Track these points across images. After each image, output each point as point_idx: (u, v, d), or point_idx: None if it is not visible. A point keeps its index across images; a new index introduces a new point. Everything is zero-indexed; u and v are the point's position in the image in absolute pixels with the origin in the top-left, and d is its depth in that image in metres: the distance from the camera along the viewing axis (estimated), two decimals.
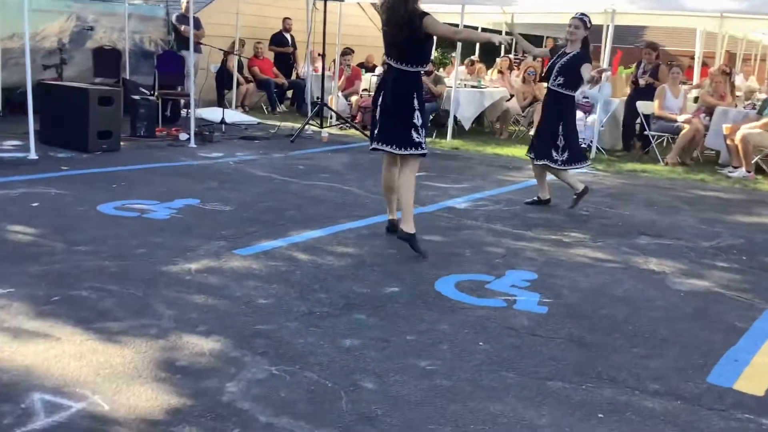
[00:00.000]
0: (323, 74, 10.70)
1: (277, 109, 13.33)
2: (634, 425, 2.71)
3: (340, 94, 11.96)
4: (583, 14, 6.35)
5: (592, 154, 9.52)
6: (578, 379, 3.05)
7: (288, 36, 14.23)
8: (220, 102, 12.25)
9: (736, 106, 10.11)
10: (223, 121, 10.01)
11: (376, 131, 4.89)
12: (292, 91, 14.00)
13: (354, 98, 11.87)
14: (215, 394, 2.76)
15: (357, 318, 3.60)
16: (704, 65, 14.27)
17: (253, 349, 3.17)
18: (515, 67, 13.29)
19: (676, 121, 9.37)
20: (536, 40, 19.88)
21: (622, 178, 8.27)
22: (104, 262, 4.19)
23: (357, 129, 10.55)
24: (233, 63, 12.38)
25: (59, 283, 3.80)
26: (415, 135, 4.77)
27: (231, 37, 12.47)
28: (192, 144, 8.73)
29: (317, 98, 11.29)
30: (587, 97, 9.94)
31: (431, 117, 11.02)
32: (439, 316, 3.67)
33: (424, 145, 4.83)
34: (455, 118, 10.81)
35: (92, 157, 7.43)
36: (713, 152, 10.07)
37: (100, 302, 3.59)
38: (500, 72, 12.71)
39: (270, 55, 13.82)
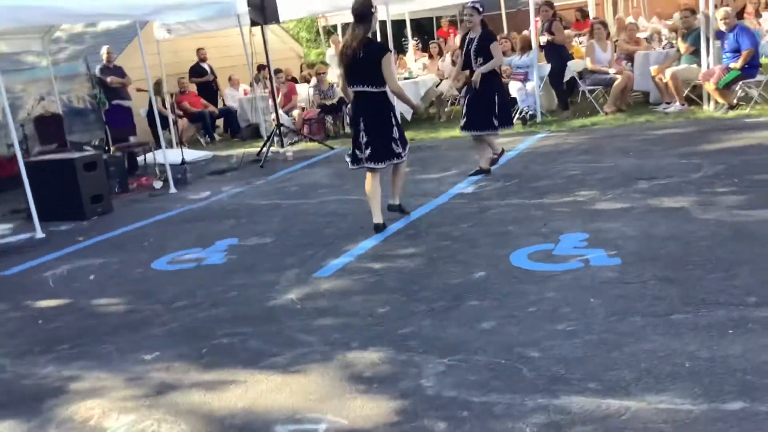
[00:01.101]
0: (273, 95, 10.93)
1: (216, 139, 13.48)
2: (758, 332, 3.29)
3: (281, 111, 12.22)
4: (473, 2, 7.03)
5: (539, 118, 10.25)
6: (691, 309, 3.61)
7: (206, 66, 14.35)
8: (159, 144, 12.27)
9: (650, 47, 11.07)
10: (184, 162, 10.12)
11: (364, 151, 5.64)
12: (223, 118, 14.11)
13: (296, 112, 12.16)
14: (418, 391, 3.16)
15: (474, 304, 4.04)
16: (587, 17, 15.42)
17: (413, 349, 3.57)
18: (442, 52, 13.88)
19: (608, 73, 10.20)
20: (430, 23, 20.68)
21: (580, 134, 8.99)
22: (212, 311, 4.46)
23: (317, 141, 10.88)
24: (160, 103, 12.37)
25: (193, 337, 4.07)
26: (394, 146, 5.66)
27: (151, 77, 12.42)
28: (173, 189, 8.86)
29: (272, 120, 11.52)
30: (520, 67, 10.61)
31: None
32: (539, 287, 4.16)
33: (403, 154, 5.79)
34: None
35: (93, 223, 7.50)
36: (639, 94, 10.98)
37: (247, 344, 3.89)
38: (430, 57, 13.32)
39: (193, 88, 13.90)
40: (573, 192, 6.20)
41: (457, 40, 15.41)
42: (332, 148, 10.42)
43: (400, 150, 5.73)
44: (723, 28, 9.01)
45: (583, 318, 3.69)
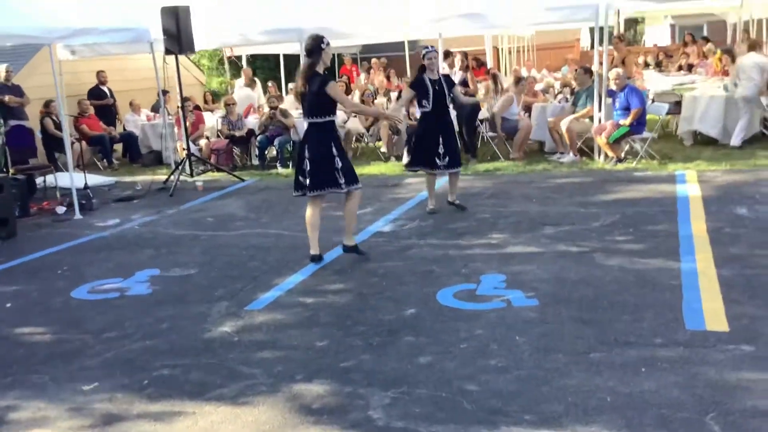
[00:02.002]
0: (184, 124, 10.84)
1: (114, 164, 13.17)
2: (668, 370, 3.70)
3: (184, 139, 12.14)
4: (432, 47, 7.58)
5: None
6: (606, 348, 4.00)
7: (105, 89, 14.07)
8: (56, 167, 11.89)
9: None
10: (87, 187, 9.86)
11: (305, 179, 5.85)
12: (122, 143, 13.80)
13: (202, 142, 12.10)
14: (368, 422, 3.35)
15: (409, 340, 4.28)
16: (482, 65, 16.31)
17: (357, 382, 3.76)
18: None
19: (517, 121, 10.82)
20: (332, 59, 21.07)
21: (486, 178, 9.48)
22: (146, 342, 4.47)
23: (225, 171, 10.87)
24: (52, 124, 11.99)
25: (131, 368, 4.08)
26: (336, 175, 5.84)
27: (45, 98, 12.04)
28: (78, 215, 8.64)
29: (179, 148, 11.42)
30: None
31: (288, 150, 11.68)
32: (468, 325, 4.45)
33: (345, 185, 5.90)
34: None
35: None
36: (534, 142, 11.69)
37: (189, 376, 3.95)
38: None
39: (92, 110, 13.56)
40: (486, 235, 6.59)
41: (377, 81, 15.92)
42: (243, 180, 10.47)
43: (342, 181, 5.85)
44: (614, 87, 9.82)
45: (511, 354, 4.00)
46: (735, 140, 10.07)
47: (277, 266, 5.99)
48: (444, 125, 7.56)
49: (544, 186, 8.69)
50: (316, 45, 5.73)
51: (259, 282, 5.57)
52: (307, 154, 5.83)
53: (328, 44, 5.78)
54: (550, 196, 8.07)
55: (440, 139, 7.44)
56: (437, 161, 7.47)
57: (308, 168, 5.82)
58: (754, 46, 10.96)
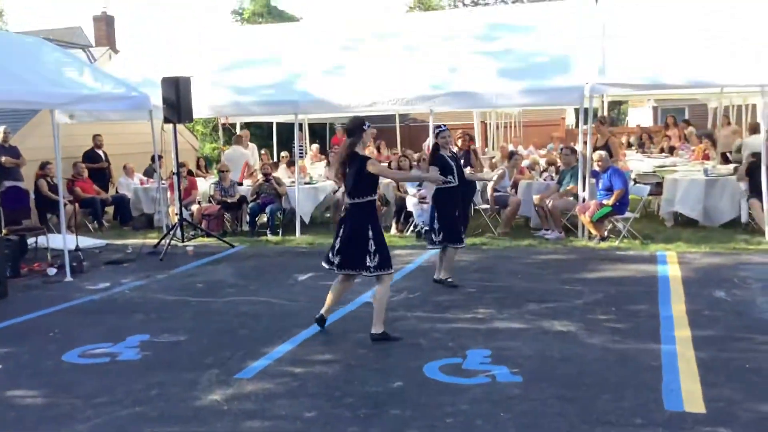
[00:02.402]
0: (179, 189, 11.00)
1: (104, 226, 13.29)
2: None
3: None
4: (445, 126, 7.80)
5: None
6: (588, 427, 4.11)
7: (100, 152, 14.31)
8: (47, 228, 11.99)
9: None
10: (78, 249, 9.95)
11: (334, 257, 5.94)
12: (114, 206, 13.93)
13: (194, 207, 12.27)
14: None
15: (396, 413, 4.37)
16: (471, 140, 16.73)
17: None
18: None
19: (509, 196, 11.09)
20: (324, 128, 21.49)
21: (472, 252, 9.64)
22: (136, 408, 4.53)
23: (215, 237, 11.01)
24: (46, 186, 12.14)
25: None
26: (367, 259, 5.80)
27: (41, 160, 12.21)
28: (68, 278, 8.71)
29: (171, 212, 11.56)
30: (420, 186, 11.34)
31: (279, 217, 11.88)
32: (453, 398, 4.56)
33: (374, 268, 5.83)
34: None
35: None
36: (521, 218, 11.95)
37: None
38: (328, 164, 13.96)
39: (86, 173, 13.74)
40: (472, 309, 6.73)
41: (368, 152, 16.19)
42: (233, 246, 10.60)
43: (372, 264, 5.81)
44: (597, 168, 10.16)
45: (496, 431, 4.09)
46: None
47: (267, 335, 6.08)
48: (463, 199, 7.80)
49: (529, 262, 8.88)
50: (357, 126, 5.89)
51: (248, 351, 5.66)
52: (341, 232, 5.92)
53: (369, 126, 5.94)
54: (535, 272, 8.25)
55: (457, 213, 7.64)
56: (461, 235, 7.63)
57: (338, 246, 5.90)
58: (756, 128, 11.73)
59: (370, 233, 5.82)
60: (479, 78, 10.88)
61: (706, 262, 8.42)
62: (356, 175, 5.79)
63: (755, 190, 9.94)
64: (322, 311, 6.19)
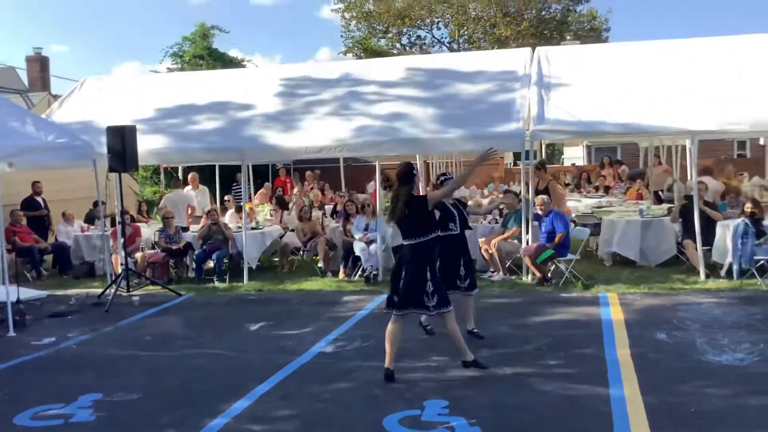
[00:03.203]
0: (124, 236, 10.82)
1: (43, 275, 12.95)
2: None
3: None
4: (450, 174, 7.97)
5: (380, 278, 11.02)
6: None
7: (40, 199, 14.03)
8: None
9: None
10: (19, 301, 9.68)
11: (397, 297, 6.17)
12: (53, 254, 13.60)
13: (138, 255, 12.09)
14: None
15: None
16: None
17: None
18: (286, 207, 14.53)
19: None
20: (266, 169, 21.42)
21: None
22: None
23: (160, 285, 10.86)
24: None
25: None
26: (425, 298, 6.13)
27: None
28: (12, 333, 8.47)
29: (115, 261, 11.37)
30: (368, 231, 11.46)
31: (226, 263, 11.81)
32: None
33: (434, 307, 6.16)
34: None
35: None
36: None
37: None
38: (274, 211, 13.97)
39: (24, 221, 13.42)
40: (426, 357, 6.83)
41: (312, 194, 16.27)
42: (180, 294, 10.48)
43: (432, 304, 6.13)
44: (540, 212, 10.48)
45: None
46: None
47: (223, 390, 6.04)
48: (464, 246, 7.60)
49: (478, 306, 9.01)
50: (409, 172, 6.22)
51: (205, 408, 5.62)
52: (403, 273, 6.15)
53: (417, 171, 6.20)
54: (484, 317, 8.39)
55: (461, 260, 7.48)
56: (458, 282, 7.46)
57: (401, 287, 6.15)
58: (711, 170, 12.51)
59: (428, 274, 6.10)
60: (424, 124, 11.15)
61: (646, 303, 8.75)
62: (418, 215, 6.12)
63: (689, 231, 10.41)
64: (387, 365, 6.17)
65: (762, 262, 9.46)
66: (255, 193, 16.62)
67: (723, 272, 9.91)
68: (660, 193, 16.31)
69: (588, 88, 11.33)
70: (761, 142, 17.87)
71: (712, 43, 12.06)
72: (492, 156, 6.89)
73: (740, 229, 9.37)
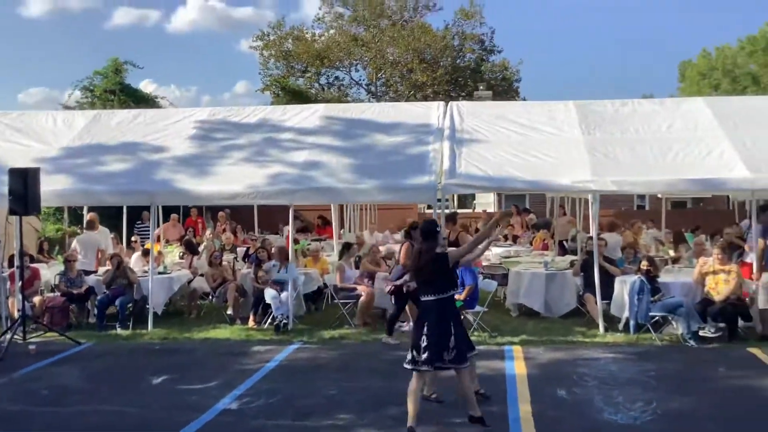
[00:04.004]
0: (23, 281, 10.35)
1: None
2: None
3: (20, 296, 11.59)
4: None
5: (290, 326, 10.93)
6: None
7: None
8: None
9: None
10: None
11: (421, 354, 6.23)
12: None
13: (36, 298, 11.57)
14: None
15: None
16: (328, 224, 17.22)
17: None
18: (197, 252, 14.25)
19: (355, 289, 11.36)
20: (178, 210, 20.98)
21: (332, 347, 9.78)
22: None
23: (57, 332, 10.40)
24: None
25: None
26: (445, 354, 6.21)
27: None
28: None
29: (11, 306, 10.87)
30: (279, 279, 11.37)
31: (130, 309, 11.45)
32: None
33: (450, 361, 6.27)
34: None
35: None
36: (379, 309, 12.25)
37: None
38: (184, 254, 13.72)
39: None
40: (333, 414, 6.81)
41: (224, 237, 15.92)
42: (79, 343, 10.08)
43: (449, 358, 6.20)
44: None
45: None
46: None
47: None
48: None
49: (387, 358, 9.08)
50: (433, 230, 6.43)
51: None
52: (426, 330, 6.20)
53: (441, 227, 6.71)
54: (394, 370, 8.37)
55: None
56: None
57: (425, 344, 6.18)
58: (615, 225, 13.27)
59: (452, 329, 6.21)
60: (339, 174, 11.25)
61: (548, 357, 9.01)
62: (444, 272, 6.29)
63: (589, 285, 10.83)
64: (410, 424, 6.14)
65: (657, 318, 9.92)
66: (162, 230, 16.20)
67: (621, 326, 10.34)
68: (564, 242, 16.93)
69: (498, 143, 11.71)
70: (659, 195, 18.83)
71: (622, 104, 12.69)
72: (507, 217, 7.29)
73: (636, 287, 9.81)
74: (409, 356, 6.41)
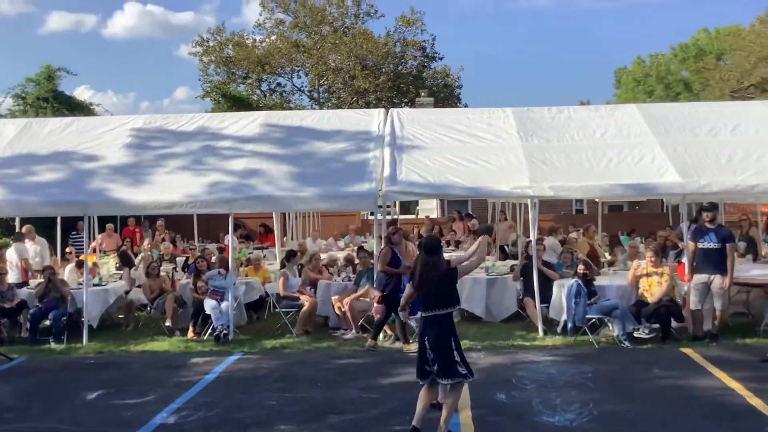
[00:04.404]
0: None
1: None
2: None
3: None
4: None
5: (231, 336, 10.79)
6: None
7: None
8: None
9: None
10: None
11: (432, 366, 6.23)
12: None
13: None
14: None
15: None
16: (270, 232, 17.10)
17: None
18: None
19: (298, 298, 11.28)
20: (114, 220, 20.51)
21: (273, 357, 9.68)
22: None
23: None
24: None
25: None
26: (458, 368, 6.21)
27: None
28: None
29: None
30: (218, 287, 11.19)
31: (64, 322, 11.12)
32: None
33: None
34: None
35: None
36: (321, 317, 12.20)
37: None
38: (119, 266, 13.39)
39: None
40: (273, 425, 6.74)
41: (163, 246, 15.56)
42: (11, 358, 9.74)
43: (465, 371, 6.20)
44: None
45: None
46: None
47: None
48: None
49: (329, 367, 9.06)
50: (437, 245, 6.48)
51: None
52: (426, 344, 6.21)
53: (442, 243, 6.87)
54: (335, 379, 8.44)
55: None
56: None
57: (431, 357, 6.18)
58: (555, 230, 13.68)
59: (453, 343, 6.20)
60: (279, 182, 11.17)
61: (489, 361, 9.11)
62: (451, 285, 6.28)
63: (528, 290, 10.99)
64: (414, 423, 6.22)
65: (593, 320, 10.13)
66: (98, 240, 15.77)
67: (559, 329, 10.52)
68: (505, 247, 17.16)
69: (438, 150, 11.80)
70: (596, 199, 19.26)
71: (558, 111, 12.90)
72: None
73: (573, 290, 10.00)
74: (418, 369, 6.41)
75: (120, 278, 12.95)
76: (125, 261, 13.61)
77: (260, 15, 40.18)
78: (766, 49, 34.22)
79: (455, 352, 6.26)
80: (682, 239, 12.55)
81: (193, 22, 67.82)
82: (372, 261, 11.21)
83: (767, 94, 34.09)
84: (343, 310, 11.09)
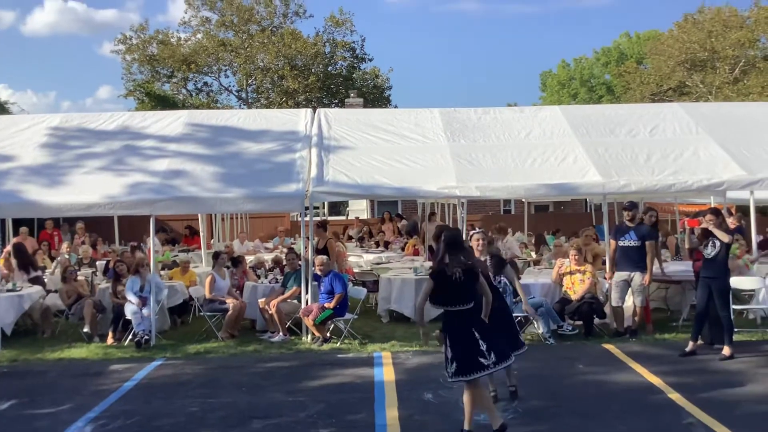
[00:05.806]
0: None
1: None
2: None
3: None
4: (481, 228, 8.24)
5: (153, 341, 10.47)
6: None
7: None
8: None
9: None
10: None
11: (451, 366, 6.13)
12: None
13: None
14: None
15: None
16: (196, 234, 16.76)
17: None
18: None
19: (225, 302, 11.04)
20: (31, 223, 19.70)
21: (196, 362, 9.42)
22: None
23: None
24: None
25: None
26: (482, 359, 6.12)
27: None
28: None
29: None
30: (139, 292, 10.84)
31: None
32: None
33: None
34: None
35: None
36: (247, 320, 11.98)
37: None
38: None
39: None
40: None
41: (82, 249, 14.94)
42: None
43: (490, 361, 6.12)
44: (319, 272, 10.60)
45: None
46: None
47: None
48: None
49: (254, 371, 8.89)
50: (459, 237, 6.39)
51: None
52: (448, 341, 6.14)
53: (471, 236, 7.46)
54: (260, 384, 8.28)
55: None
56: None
57: (450, 355, 6.13)
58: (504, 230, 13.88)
59: (477, 334, 6.11)
60: (203, 183, 10.91)
61: (417, 362, 9.11)
62: (474, 283, 6.13)
63: None
64: (466, 426, 6.12)
65: (519, 318, 10.24)
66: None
67: None
68: (433, 246, 17.23)
69: (366, 150, 11.77)
70: (523, 199, 19.59)
71: (484, 112, 13.03)
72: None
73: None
74: (446, 371, 6.30)
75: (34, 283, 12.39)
76: (23, 265, 12.65)
77: (185, 12, 39.24)
78: (684, 53, 35.50)
79: (480, 342, 6.10)
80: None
81: (117, 19, 66.04)
82: (300, 262, 11.08)
83: (685, 97, 35.41)
84: (270, 312, 10.92)
